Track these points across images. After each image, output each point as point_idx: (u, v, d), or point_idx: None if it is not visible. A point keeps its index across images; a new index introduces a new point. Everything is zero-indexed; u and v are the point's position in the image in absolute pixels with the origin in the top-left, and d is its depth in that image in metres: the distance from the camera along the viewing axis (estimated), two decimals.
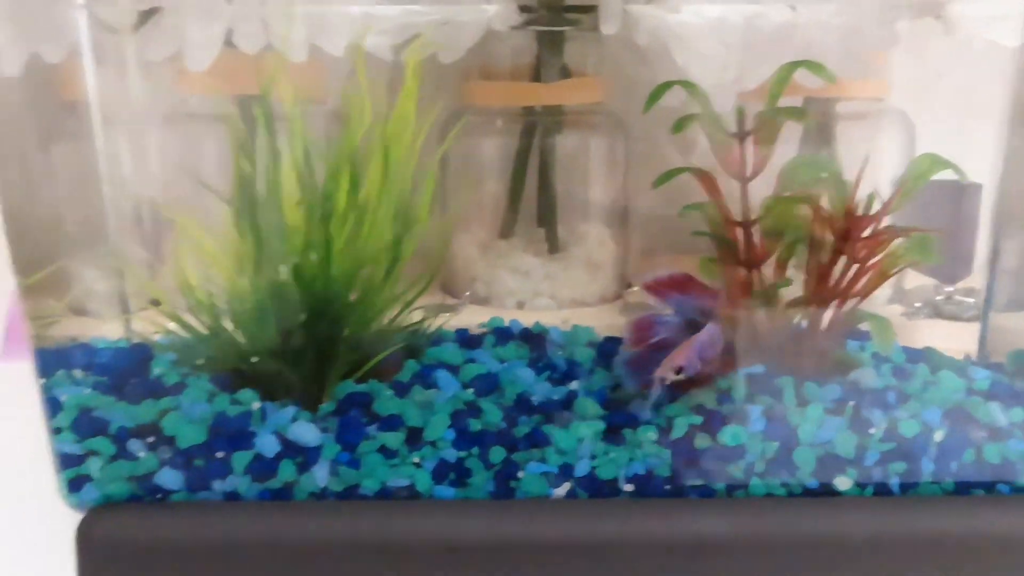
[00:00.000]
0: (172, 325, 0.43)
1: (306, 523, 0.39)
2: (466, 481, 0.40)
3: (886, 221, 0.42)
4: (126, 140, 0.51)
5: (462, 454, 0.40)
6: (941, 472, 0.40)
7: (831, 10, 0.50)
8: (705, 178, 0.43)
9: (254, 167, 0.41)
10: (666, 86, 0.44)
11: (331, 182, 0.40)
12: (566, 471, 0.40)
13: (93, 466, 0.40)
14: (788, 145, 0.53)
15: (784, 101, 0.44)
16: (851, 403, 0.41)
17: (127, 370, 0.44)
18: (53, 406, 0.41)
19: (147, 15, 0.48)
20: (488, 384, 0.43)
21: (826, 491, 0.41)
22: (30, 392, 0.64)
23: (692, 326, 0.42)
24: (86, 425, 0.40)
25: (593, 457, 0.40)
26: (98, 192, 0.48)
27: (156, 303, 0.43)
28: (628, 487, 0.41)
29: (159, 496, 0.40)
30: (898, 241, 0.42)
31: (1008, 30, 0.48)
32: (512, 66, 0.58)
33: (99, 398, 0.42)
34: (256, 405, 0.41)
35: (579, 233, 0.60)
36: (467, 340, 0.49)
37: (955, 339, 0.52)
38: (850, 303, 0.43)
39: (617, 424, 0.41)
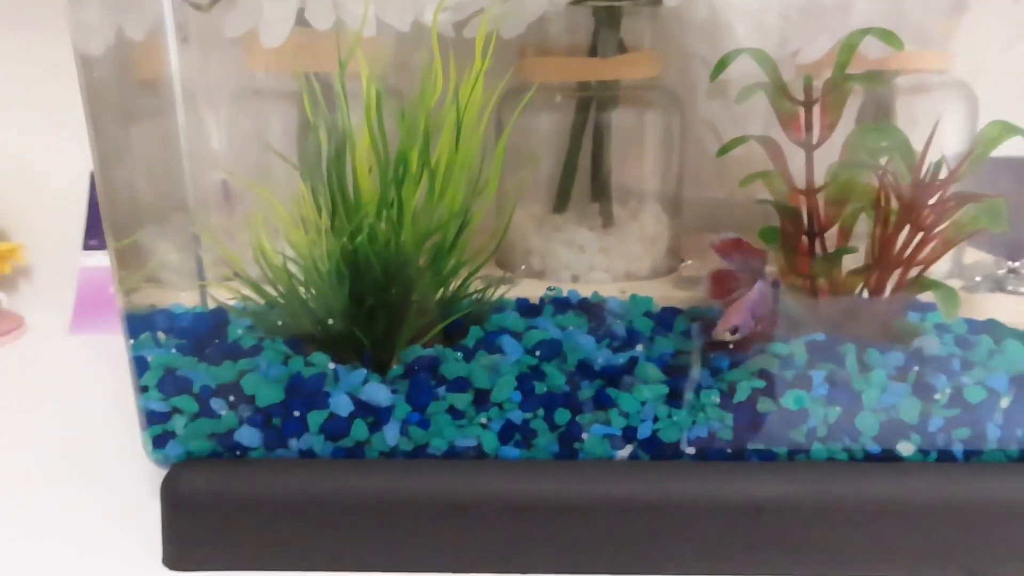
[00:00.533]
0: (248, 291, 0.45)
1: (377, 480, 0.41)
2: (531, 442, 0.42)
3: (953, 190, 0.42)
4: (204, 116, 0.53)
5: (528, 416, 0.42)
6: (1007, 439, 0.40)
7: None
8: (771, 146, 0.44)
9: (329, 138, 0.42)
10: (735, 54, 0.45)
11: (405, 148, 0.41)
12: (629, 434, 0.41)
13: (177, 423, 0.42)
14: (846, 119, 0.53)
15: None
16: (915, 369, 0.41)
17: (207, 334, 0.46)
18: (140, 366, 0.43)
19: None
20: (551, 349, 0.44)
21: (889, 457, 0.41)
22: (105, 359, 0.67)
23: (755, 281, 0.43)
24: (171, 384, 0.42)
25: (656, 420, 0.41)
26: (178, 166, 0.50)
27: (236, 274, 0.44)
28: (690, 450, 0.41)
29: (238, 453, 0.42)
30: (965, 209, 0.42)
31: None
32: (569, 42, 0.59)
33: (182, 359, 0.44)
34: (331, 366, 0.42)
35: (633, 208, 0.61)
36: (528, 309, 0.50)
37: (1017, 314, 0.51)
38: (913, 272, 0.43)
39: (679, 388, 0.42)
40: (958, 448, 0.41)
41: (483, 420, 0.42)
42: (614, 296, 0.51)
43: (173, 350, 0.44)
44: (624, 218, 0.60)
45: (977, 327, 0.47)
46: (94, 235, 0.77)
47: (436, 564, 0.41)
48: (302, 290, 0.44)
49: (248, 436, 0.42)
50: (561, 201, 0.61)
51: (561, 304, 0.50)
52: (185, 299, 0.51)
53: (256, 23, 0.50)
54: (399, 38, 0.50)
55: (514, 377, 0.42)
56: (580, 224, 0.60)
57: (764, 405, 0.41)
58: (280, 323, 0.44)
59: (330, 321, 0.42)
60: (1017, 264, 0.56)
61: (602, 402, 0.41)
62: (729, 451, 0.41)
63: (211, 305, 0.49)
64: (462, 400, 0.41)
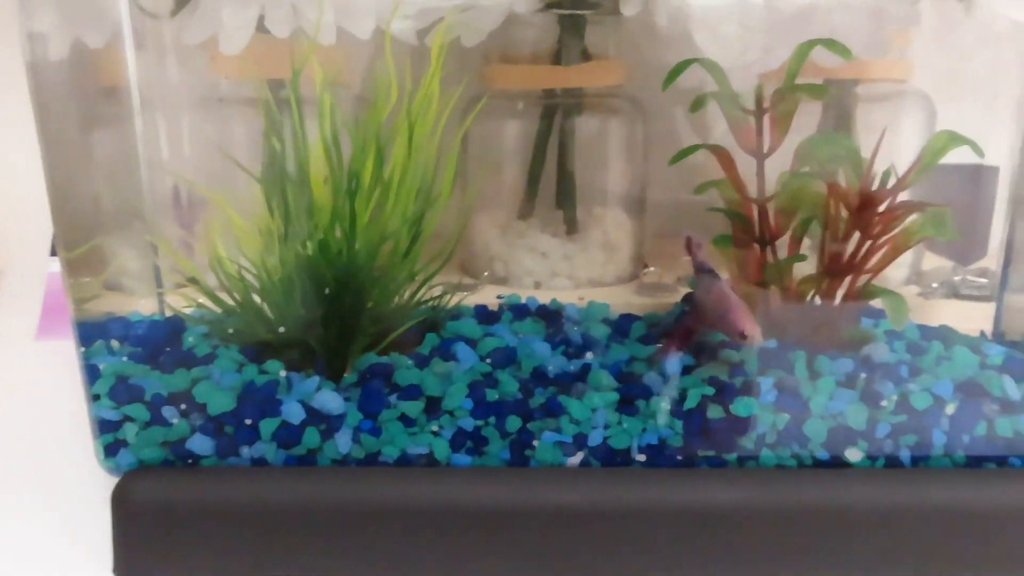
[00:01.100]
0: (204, 300, 0.45)
1: (329, 488, 0.41)
2: (483, 449, 0.42)
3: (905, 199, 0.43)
4: (163, 124, 0.53)
5: (479, 423, 0.42)
6: (953, 445, 0.41)
7: None
8: (722, 155, 0.44)
9: (283, 146, 0.42)
10: (685, 64, 0.45)
11: (357, 159, 0.41)
12: (580, 441, 0.42)
13: (129, 432, 0.42)
14: (807, 128, 0.53)
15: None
16: (862, 375, 0.42)
17: (161, 341, 0.46)
18: (92, 374, 0.43)
19: (183, 1, 0.49)
20: (505, 357, 0.44)
21: (837, 463, 0.41)
22: (68, 366, 0.67)
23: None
24: (123, 392, 0.42)
25: (606, 427, 0.41)
26: (136, 174, 0.50)
27: (192, 280, 0.44)
28: (640, 457, 0.42)
29: (190, 461, 0.42)
30: (914, 217, 0.42)
31: None
32: (533, 49, 0.59)
33: (135, 367, 0.44)
34: (283, 374, 0.42)
35: (597, 215, 0.61)
36: (486, 316, 0.50)
37: (971, 319, 0.52)
38: (864, 279, 0.44)
39: (631, 395, 0.42)
40: (905, 454, 0.41)
41: (435, 428, 0.42)
42: (572, 303, 0.51)
43: (125, 358, 0.44)
44: (588, 225, 0.61)
45: (930, 333, 0.47)
46: None
47: (388, 572, 0.41)
48: (257, 298, 0.44)
49: (200, 444, 0.42)
50: (526, 208, 0.62)
51: (520, 311, 0.51)
52: (144, 307, 0.51)
53: (216, 30, 0.50)
54: (371, 46, 0.50)
55: (466, 384, 0.42)
56: (543, 231, 0.60)
57: (714, 412, 0.41)
58: (235, 331, 0.44)
59: (281, 329, 0.42)
60: (971, 269, 0.57)
61: (553, 409, 0.42)
62: (679, 458, 0.42)
63: (169, 313, 0.49)
64: (414, 408, 0.41)
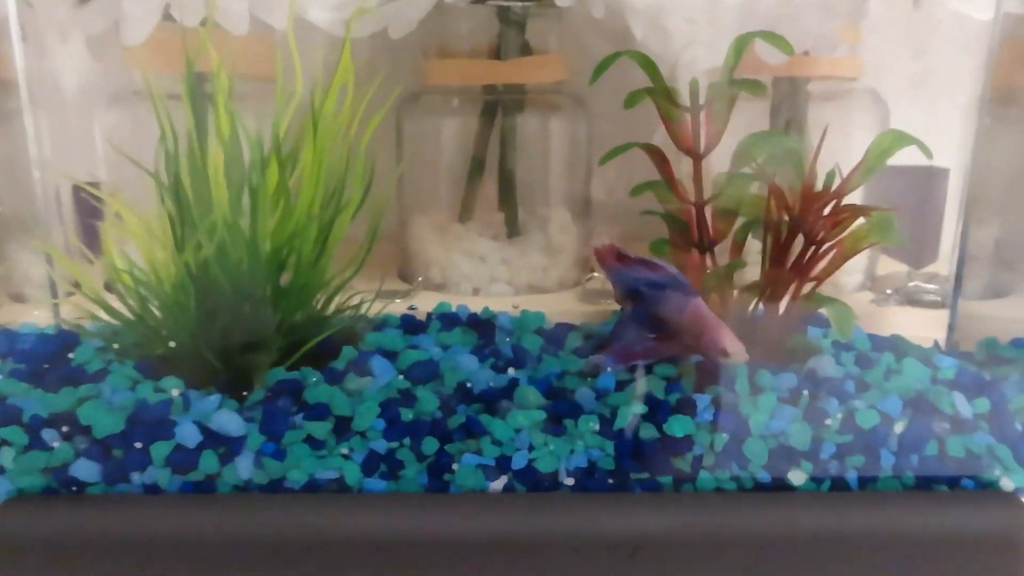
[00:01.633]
0: (99, 311, 0.41)
1: (229, 517, 0.37)
2: (398, 474, 0.38)
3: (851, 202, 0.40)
4: (62, 121, 0.49)
5: (393, 445, 0.38)
6: (902, 466, 0.38)
7: None
8: (655, 154, 0.41)
9: (177, 142, 0.39)
10: (613, 57, 0.42)
11: (257, 160, 0.38)
12: (503, 463, 0.38)
13: (5, 457, 0.38)
14: (759, 129, 0.51)
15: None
16: (806, 392, 0.39)
17: (49, 357, 0.42)
18: None
19: None
20: (427, 371, 0.41)
21: (779, 486, 0.38)
22: None
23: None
24: None
25: (531, 449, 0.38)
26: (26, 175, 0.46)
27: (77, 286, 0.41)
28: (568, 481, 0.38)
29: (75, 489, 0.38)
30: (861, 222, 0.39)
31: (980, 1, 0.45)
32: (471, 44, 0.56)
33: (15, 385, 0.40)
34: (176, 392, 0.39)
35: (540, 217, 0.58)
36: (413, 326, 0.47)
37: (927, 327, 0.50)
38: (809, 287, 0.41)
39: (558, 414, 0.39)
40: (852, 476, 0.38)
41: (344, 450, 0.38)
42: (506, 312, 0.48)
43: (3, 376, 0.40)
44: (530, 228, 0.58)
45: (881, 343, 0.44)
46: None
47: None
48: (155, 309, 0.40)
49: (85, 470, 0.38)
50: (465, 210, 0.58)
51: (449, 320, 0.47)
52: (39, 318, 0.47)
53: (117, 19, 0.46)
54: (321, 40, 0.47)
55: (377, 404, 0.38)
56: (482, 234, 0.57)
57: (646, 432, 0.38)
58: (128, 345, 0.41)
59: (172, 344, 0.39)
60: (922, 272, 0.54)
61: (473, 430, 0.38)
62: (611, 481, 0.38)
63: (65, 325, 0.45)
64: (320, 429, 0.38)
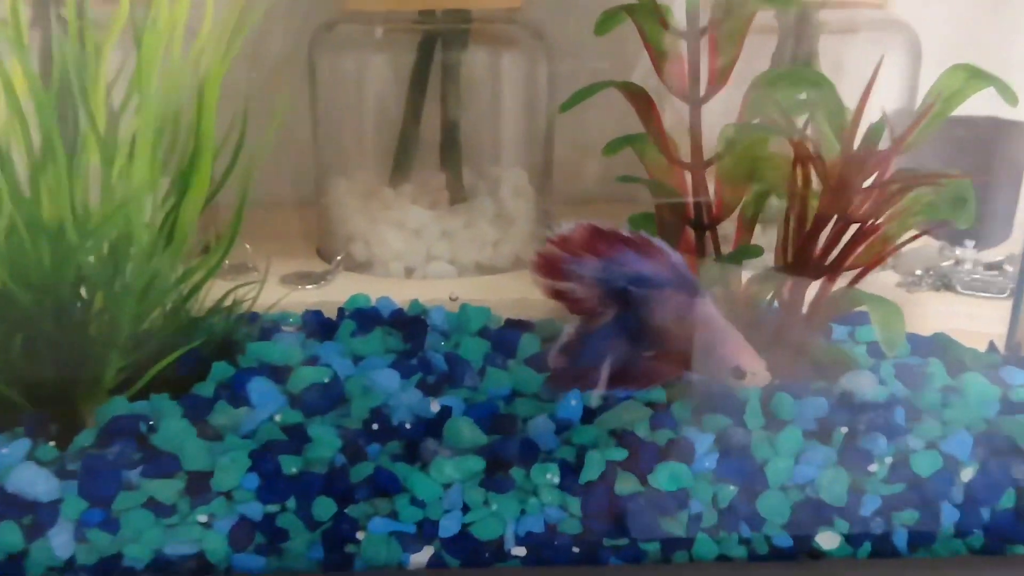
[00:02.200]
0: None
1: None
2: (280, 547, 0.28)
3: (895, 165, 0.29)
4: None
5: (272, 508, 0.27)
6: (968, 523, 0.28)
7: None
8: (637, 97, 0.30)
9: None
10: None
11: (45, 115, 0.25)
12: (428, 529, 0.28)
13: None
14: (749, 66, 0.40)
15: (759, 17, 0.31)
16: (842, 428, 0.28)
17: None
18: None
19: None
20: (327, 397, 0.30)
21: (804, 551, 0.28)
22: None
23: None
24: None
25: (466, 509, 0.28)
26: None
27: None
28: (518, 551, 0.28)
29: None
30: (914, 194, 0.29)
31: None
32: None
33: None
34: None
35: (489, 178, 0.47)
36: (319, 327, 0.35)
37: (970, 318, 0.40)
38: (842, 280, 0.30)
39: (504, 458, 0.28)
40: (901, 536, 0.28)
41: (203, 517, 0.27)
42: (441, 306, 0.37)
43: None
44: (478, 191, 0.46)
45: (923, 346, 0.35)
46: None
47: None
48: None
49: None
50: (397, 170, 0.47)
51: (367, 318, 0.36)
52: None
53: None
54: None
55: (246, 452, 0.27)
56: (417, 200, 0.46)
57: (624, 484, 0.28)
58: None
59: None
60: (966, 252, 0.44)
61: (384, 485, 0.28)
62: (576, 550, 0.28)
63: None
64: (166, 489, 0.27)
